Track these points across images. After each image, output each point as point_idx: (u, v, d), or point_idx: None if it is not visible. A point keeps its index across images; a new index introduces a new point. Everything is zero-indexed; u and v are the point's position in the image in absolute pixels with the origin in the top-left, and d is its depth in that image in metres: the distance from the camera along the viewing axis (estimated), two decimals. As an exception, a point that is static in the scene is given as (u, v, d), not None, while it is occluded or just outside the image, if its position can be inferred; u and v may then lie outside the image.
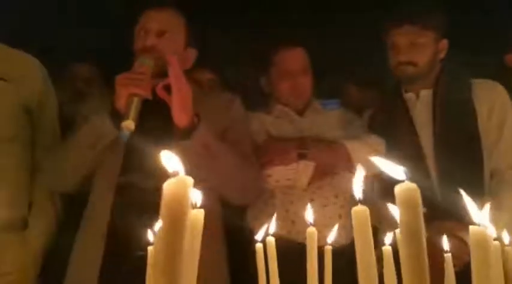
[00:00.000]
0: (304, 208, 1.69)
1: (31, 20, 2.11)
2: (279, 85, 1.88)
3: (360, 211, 0.49)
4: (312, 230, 0.78)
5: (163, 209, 0.30)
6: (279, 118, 1.89)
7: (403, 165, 1.55)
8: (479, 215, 0.57)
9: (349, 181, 1.95)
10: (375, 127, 1.87)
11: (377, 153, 1.73)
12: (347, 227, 1.73)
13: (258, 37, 2.12)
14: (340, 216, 1.76)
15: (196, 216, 0.46)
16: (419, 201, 0.39)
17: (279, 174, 1.73)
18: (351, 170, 1.73)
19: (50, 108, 1.63)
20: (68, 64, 2.11)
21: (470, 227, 0.57)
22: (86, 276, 1.34)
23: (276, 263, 0.90)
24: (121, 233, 1.34)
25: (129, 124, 1.31)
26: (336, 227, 1.10)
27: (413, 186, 0.39)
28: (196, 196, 0.48)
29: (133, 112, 1.34)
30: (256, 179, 1.61)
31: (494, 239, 1.01)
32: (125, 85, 1.37)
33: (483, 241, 0.55)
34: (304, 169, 1.72)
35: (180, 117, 1.40)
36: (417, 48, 1.77)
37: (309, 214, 0.82)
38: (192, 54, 1.63)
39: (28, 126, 1.53)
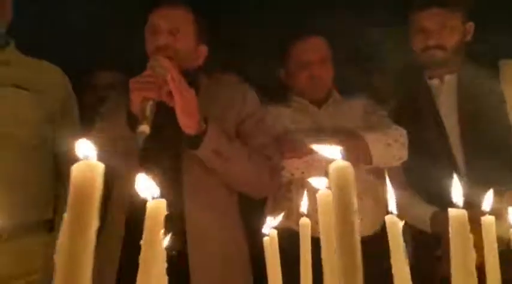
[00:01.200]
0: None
1: (49, 27, 2.18)
2: (296, 76, 1.86)
3: (325, 195, 0.47)
4: (305, 220, 0.76)
5: (71, 192, 0.31)
6: (297, 111, 1.87)
7: (429, 155, 1.51)
8: (460, 197, 0.55)
9: (367, 173, 1.91)
10: (400, 117, 1.82)
11: (397, 143, 1.68)
12: (365, 219, 1.69)
13: (275, 29, 2.10)
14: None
15: (156, 206, 0.46)
16: (352, 177, 0.38)
17: (292, 167, 1.71)
18: (369, 162, 1.70)
19: (73, 116, 1.67)
20: (91, 70, 2.16)
21: (450, 209, 0.55)
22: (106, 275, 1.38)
23: (277, 255, 0.89)
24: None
25: (144, 129, 1.31)
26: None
27: (346, 163, 0.38)
28: (153, 186, 0.48)
29: (148, 116, 1.34)
30: (272, 171, 1.57)
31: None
32: (137, 89, 1.37)
33: (462, 223, 0.53)
34: (318, 161, 1.70)
35: (187, 123, 1.39)
36: (446, 31, 1.71)
37: (304, 204, 0.80)
38: (203, 51, 1.63)
39: (51, 134, 1.57)
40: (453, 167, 1.65)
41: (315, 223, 0.82)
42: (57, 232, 1.26)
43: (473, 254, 0.52)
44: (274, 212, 1.77)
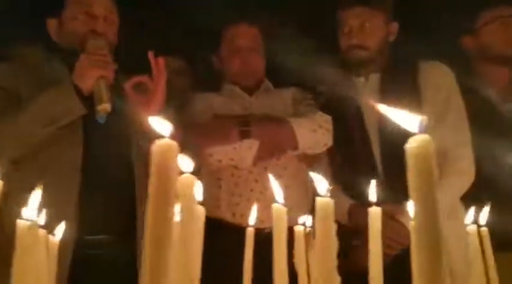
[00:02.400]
0: (248, 190, 1.71)
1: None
2: (229, 62, 1.87)
3: (185, 179, 0.46)
4: (200, 208, 0.76)
5: None
6: (228, 98, 1.87)
7: (351, 151, 1.54)
8: (324, 188, 0.56)
9: (294, 160, 1.95)
10: (329, 112, 1.86)
11: (322, 129, 1.72)
12: (292, 209, 1.71)
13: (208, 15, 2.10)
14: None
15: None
16: (175, 156, 0.37)
17: (220, 154, 1.71)
18: (296, 147, 1.72)
19: None
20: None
21: (317, 198, 0.56)
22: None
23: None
24: None
25: (107, 107, 1.32)
26: (254, 208, 1.09)
27: (170, 141, 0.37)
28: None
29: (106, 94, 1.34)
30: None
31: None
32: (93, 66, 1.36)
33: (328, 212, 0.54)
34: (247, 148, 1.71)
35: None
36: (368, 31, 1.75)
37: (199, 192, 0.79)
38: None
39: None
40: (371, 165, 1.71)
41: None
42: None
43: (335, 241, 0.53)
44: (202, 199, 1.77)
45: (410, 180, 0.34)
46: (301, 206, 1.72)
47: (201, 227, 0.72)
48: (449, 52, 2.02)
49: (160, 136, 0.37)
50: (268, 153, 1.73)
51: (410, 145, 0.35)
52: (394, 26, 1.81)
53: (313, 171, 2.02)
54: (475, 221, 1.04)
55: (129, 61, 1.53)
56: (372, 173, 1.70)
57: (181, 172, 0.46)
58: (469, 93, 1.88)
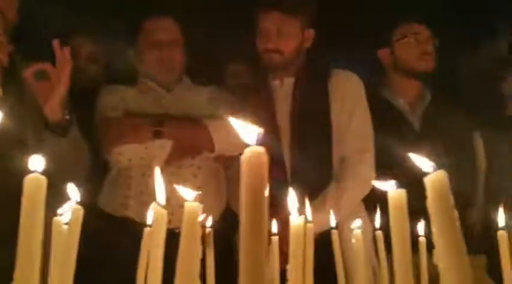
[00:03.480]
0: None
1: None
2: (146, 56, 1.81)
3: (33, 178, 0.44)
4: (77, 207, 0.73)
5: None
6: (143, 93, 1.82)
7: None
8: (189, 194, 0.56)
9: (209, 160, 1.93)
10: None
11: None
12: (204, 209, 1.71)
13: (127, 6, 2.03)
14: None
15: None
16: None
17: (131, 152, 1.67)
18: (212, 149, 1.72)
19: None
20: None
21: (185, 203, 0.56)
22: None
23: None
24: None
25: None
26: (152, 206, 1.06)
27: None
28: None
29: None
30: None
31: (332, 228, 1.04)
32: None
33: (193, 218, 0.54)
34: (159, 148, 1.67)
35: (57, 110, 1.42)
36: (284, 36, 1.77)
37: (72, 191, 0.76)
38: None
39: None
40: (283, 166, 1.73)
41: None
42: None
43: (199, 246, 0.53)
44: (110, 198, 1.72)
45: (242, 186, 0.35)
46: (213, 207, 1.71)
47: (77, 230, 0.70)
48: (366, 62, 2.11)
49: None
50: (183, 154, 1.70)
51: (245, 155, 0.35)
52: (310, 33, 1.84)
53: (228, 170, 2.00)
54: (374, 225, 1.10)
55: (31, 43, 1.45)
56: (284, 174, 1.72)
57: (30, 171, 0.44)
58: (381, 102, 1.98)
